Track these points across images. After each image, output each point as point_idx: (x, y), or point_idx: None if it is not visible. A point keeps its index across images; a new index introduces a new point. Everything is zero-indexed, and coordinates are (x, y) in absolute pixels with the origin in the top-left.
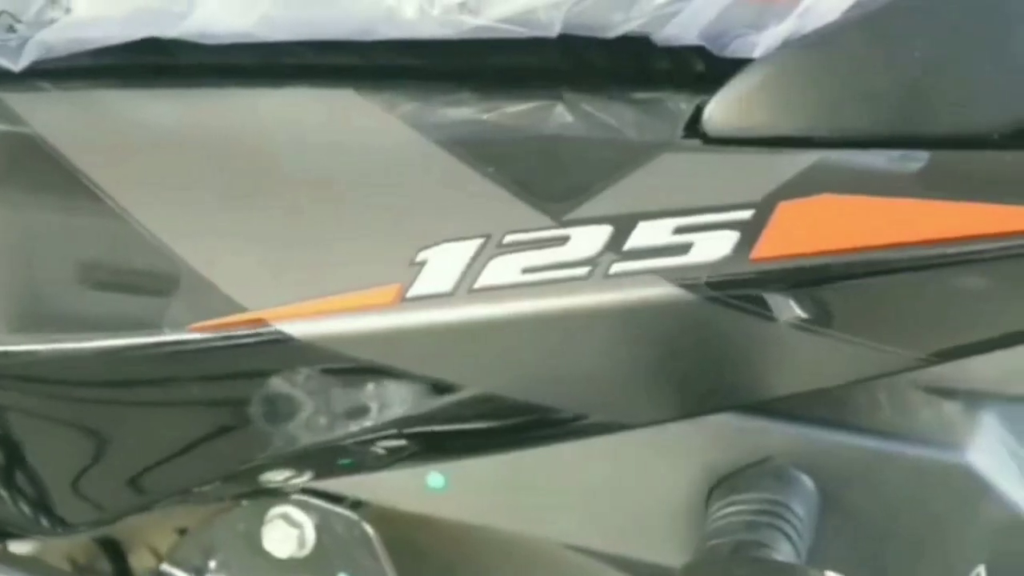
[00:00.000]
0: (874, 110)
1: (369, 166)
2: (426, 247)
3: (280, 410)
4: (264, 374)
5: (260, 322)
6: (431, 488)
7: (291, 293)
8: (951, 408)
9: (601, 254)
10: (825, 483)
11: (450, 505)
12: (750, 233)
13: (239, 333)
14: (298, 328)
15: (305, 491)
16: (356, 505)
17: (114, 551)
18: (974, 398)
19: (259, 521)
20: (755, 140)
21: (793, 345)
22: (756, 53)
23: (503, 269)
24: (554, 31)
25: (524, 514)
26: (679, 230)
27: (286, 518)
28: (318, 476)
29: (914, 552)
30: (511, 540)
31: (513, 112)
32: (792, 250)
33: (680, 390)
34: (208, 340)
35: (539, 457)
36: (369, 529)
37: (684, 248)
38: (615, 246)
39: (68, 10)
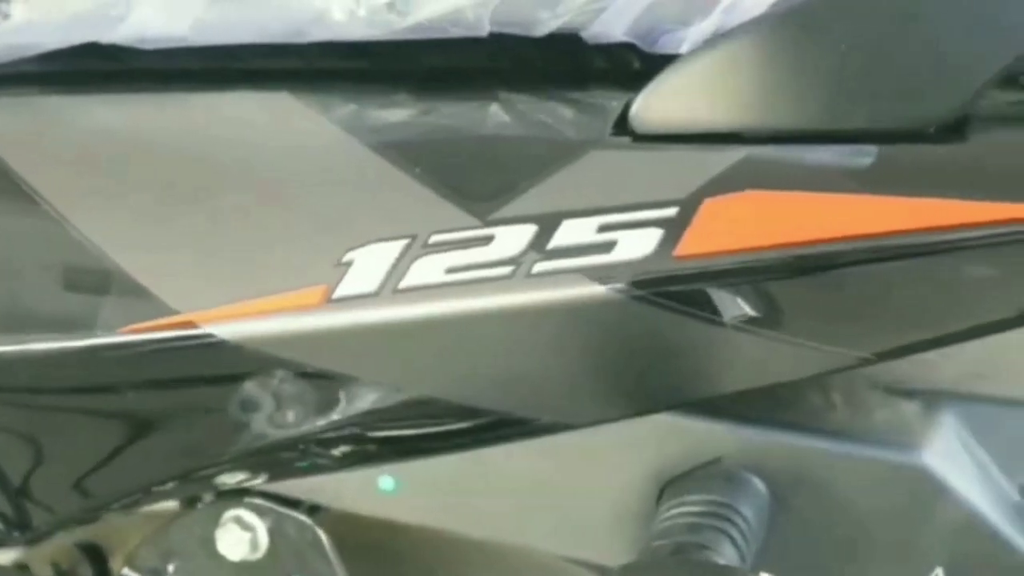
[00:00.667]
0: (802, 105)
1: (299, 168)
2: (353, 248)
3: (216, 412)
4: (196, 376)
5: (190, 324)
6: (382, 491)
7: (220, 295)
8: (908, 408)
9: (524, 253)
10: (776, 485)
11: (401, 507)
12: (674, 230)
13: (170, 336)
14: (227, 330)
15: (261, 494)
16: (314, 509)
17: (96, 556)
18: (934, 398)
19: (213, 524)
20: (682, 136)
21: (726, 344)
22: (683, 49)
23: (428, 269)
24: (483, 30)
25: (475, 516)
26: (603, 228)
27: (239, 521)
28: (272, 479)
29: (869, 554)
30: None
31: (446, 113)
32: (716, 247)
33: (616, 390)
34: (140, 343)
35: (489, 458)
36: (321, 533)
37: (608, 246)
38: (539, 245)
39: (7, 16)
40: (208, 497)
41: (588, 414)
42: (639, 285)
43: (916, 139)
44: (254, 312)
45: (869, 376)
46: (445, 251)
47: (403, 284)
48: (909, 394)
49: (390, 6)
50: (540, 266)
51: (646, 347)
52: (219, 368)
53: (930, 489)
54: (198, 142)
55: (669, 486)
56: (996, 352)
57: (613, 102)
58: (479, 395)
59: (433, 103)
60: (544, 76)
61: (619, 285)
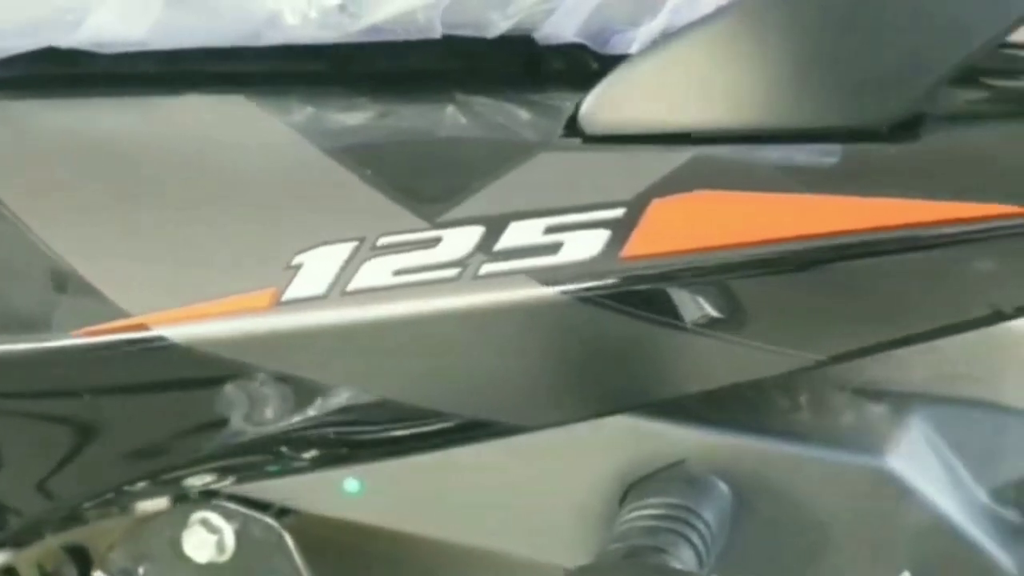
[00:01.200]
0: (751, 104)
1: (252, 172)
2: (302, 251)
3: (173, 415)
4: (149, 379)
5: (141, 327)
6: (348, 493)
7: (172, 298)
8: (875, 411)
9: (471, 255)
10: (740, 488)
11: (366, 509)
12: (621, 231)
13: (122, 339)
14: (177, 332)
15: (229, 497)
16: (281, 512)
17: (81, 557)
18: (904, 400)
19: (181, 526)
20: (631, 137)
21: (677, 346)
22: (633, 49)
23: (376, 271)
24: (436, 32)
25: (440, 518)
26: (550, 230)
27: (205, 523)
28: (239, 481)
29: (835, 557)
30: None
31: (400, 115)
32: (664, 248)
33: (570, 392)
34: (93, 345)
35: (453, 460)
36: (287, 536)
37: (554, 248)
38: (486, 247)
39: None
40: (178, 499)
41: (544, 417)
42: (585, 287)
43: (869, 138)
44: (205, 314)
45: (837, 378)
46: (393, 253)
47: (351, 286)
48: (878, 396)
49: (341, 8)
50: (487, 268)
51: (597, 349)
52: (172, 370)
53: (895, 492)
54: (153, 146)
55: (632, 488)
56: (968, 354)
57: (567, 103)
58: (432, 397)
59: (388, 106)
60: (498, 78)
61: (565, 287)
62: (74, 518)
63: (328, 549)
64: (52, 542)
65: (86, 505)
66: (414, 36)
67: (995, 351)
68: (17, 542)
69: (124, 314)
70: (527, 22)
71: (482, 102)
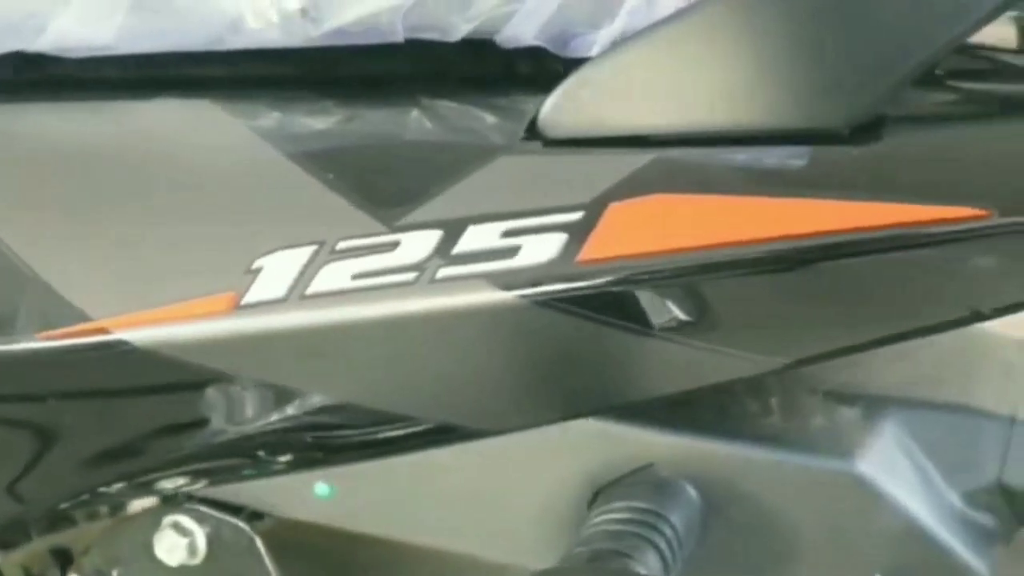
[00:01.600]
0: (711, 107)
1: (215, 176)
2: (263, 255)
3: (137, 418)
4: (111, 382)
5: (102, 330)
6: (318, 496)
7: (133, 301)
8: (847, 414)
9: (429, 259)
10: (710, 492)
11: (337, 513)
12: (578, 235)
13: (83, 342)
14: (139, 336)
15: (201, 500)
16: (253, 516)
17: (65, 559)
18: (876, 403)
19: (153, 529)
20: (591, 140)
21: (637, 349)
22: (593, 52)
23: (334, 275)
24: (398, 36)
25: (409, 521)
26: (507, 233)
27: (177, 527)
28: (211, 484)
29: (805, 562)
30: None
31: (364, 119)
32: (621, 251)
33: (531, 396)
34: (55, 349)
35: (422, 464)
36: (257, 539)
37: (512, 252)
38: (443, 251)
39: None
40: (151, 501)
41: (507, 421)
42: (541, 291)
43: (830, 140)
44: (165, 318)
45: (809, 381)
46: (352, 257)
47: (310, 290)
48: (850, 400)
49: (303, 13)
50: (444, 272)
51: (556, 353)
52: (134, 374)
53: (865, 496)
54: (117, 150)
55: (601, 492)
56: (941, 357)
57: (531, 106)
58: (394, 401)
59: (353, 110)
60: (463, 81)
61: (522, 291)
62: (63, 519)
63: (307, 553)
64: (38, 544)
65: (62, 507)
66: (377, 40)
67: (968, 355)
68: (3, 544)
69: (86, 318)
70: (488, 25)
71: (446, 106)
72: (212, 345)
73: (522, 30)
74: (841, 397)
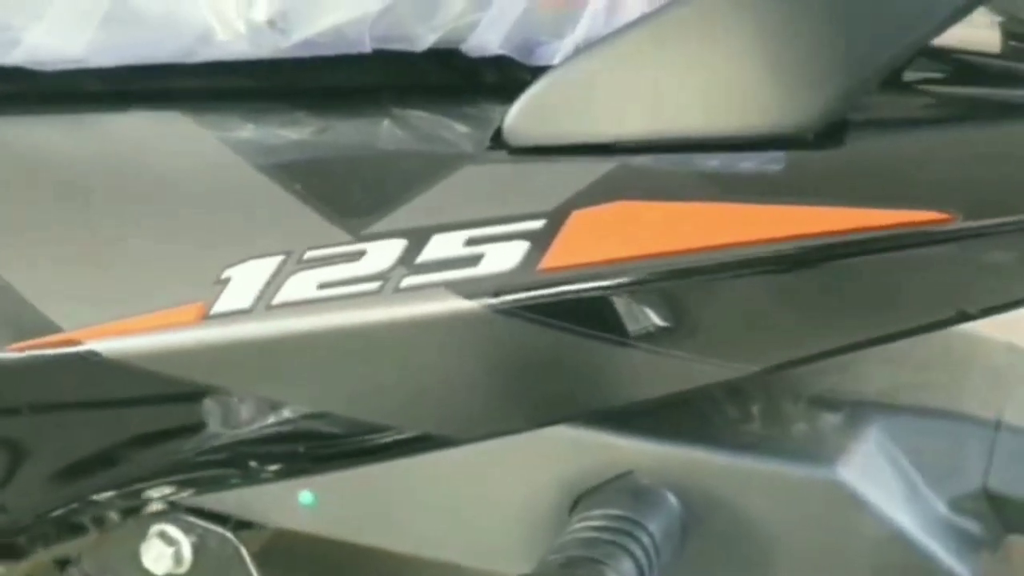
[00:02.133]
0: (674, 113)
1: (184, 187)
2: (231, 265)
3: (111, 428)
4: (84, 393)
5: (72, 341)
6: (303, 504)
7: (103, 313)
8: (829, 421)
9: (393, 268)
10: (690, 499)
11: (321, 521)
12: (541, 243)
13: (54, 353)
14: (108, 346)
15: (188, 509)
16: (240, 525)
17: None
18: (860, 409)
19: (140, 538)
20: (555, 148)
21: (602, 357)
22: (556, 60)
23: (300, 285)
24: (365, 47)
25: (391, 529)
26: (470, 242)
27: (163, 536)
28: (197, 493)
29: (786, 571)
30: None
31: (332, 130)
32: (583, 259)
33: (500, 403)
34: (26, 360)
35: (402, 472)
36: (242, 548)
37: (474, 260)
38: (407, 260)
39: None
40: (138, 511)
41: (476, 429)
42: (502, 299)
43: (793, 145)
44: (135, 329)
45: (792, 387)
46: (318, 267)
47: (276, 300)
48: (833, 405)
49: (270, 24)
50: (408, 281)
51: (521, 361)
52: (106, 385)
53: (847, 504)
54: (89, 162)
55: (581, 499)
56: (926, 362)
57: (497, 115)
58: (363, 409)
59: (321, 121)
60: (432, 91)
61: (484, 299)
62: (72, 529)
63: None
64: (42, 555)
65: (52, 515)
66: (345, 51)
67: (953, 359)
68: (9, 555)
69: (56, 328)
70: (454, 35)
71: (415, 115)
72: (181, 355)
73: (487, 39)
74: (824, 403)
